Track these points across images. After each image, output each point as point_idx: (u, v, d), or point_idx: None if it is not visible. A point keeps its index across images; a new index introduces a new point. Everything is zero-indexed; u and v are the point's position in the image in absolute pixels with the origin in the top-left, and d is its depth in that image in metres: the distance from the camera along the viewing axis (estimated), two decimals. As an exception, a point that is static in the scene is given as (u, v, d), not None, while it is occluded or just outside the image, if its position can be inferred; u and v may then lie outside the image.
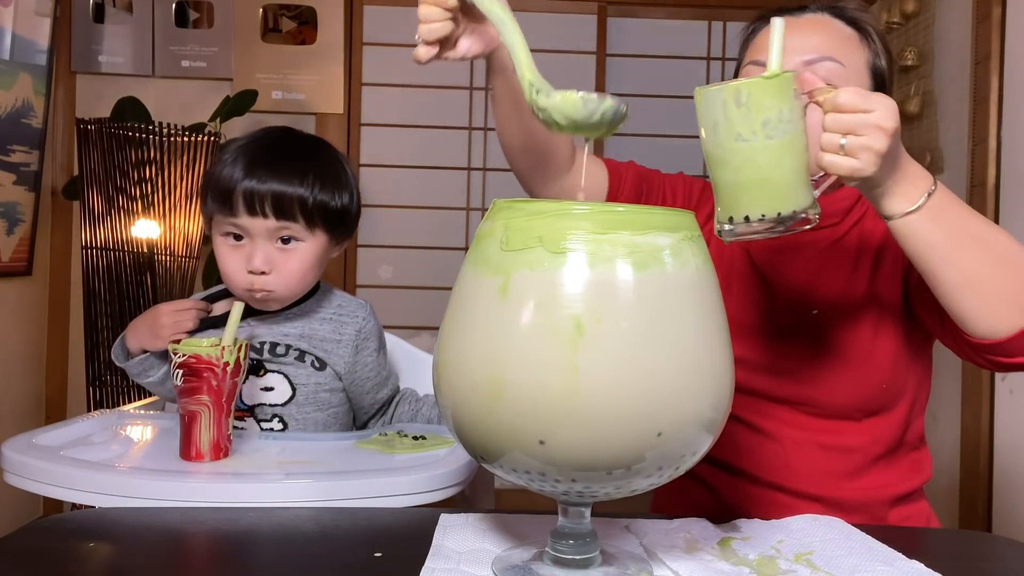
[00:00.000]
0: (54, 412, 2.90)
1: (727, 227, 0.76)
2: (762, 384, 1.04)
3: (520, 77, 0.75)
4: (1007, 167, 2.10)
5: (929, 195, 0.81)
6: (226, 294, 1.29)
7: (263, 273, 1.17)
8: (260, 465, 1.00)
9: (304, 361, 1.22)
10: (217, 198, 1.16)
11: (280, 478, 0.93)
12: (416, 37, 0.84)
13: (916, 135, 2.49)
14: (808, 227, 0.77)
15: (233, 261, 1.17)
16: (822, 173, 0.79)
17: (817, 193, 0.77)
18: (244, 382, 1.19)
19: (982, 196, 2.14)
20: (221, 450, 1.01)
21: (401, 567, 0.71)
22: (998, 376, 2.11)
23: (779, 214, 0.74)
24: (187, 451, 1.00)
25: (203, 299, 1.28)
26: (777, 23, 0.76)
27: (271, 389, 1.21)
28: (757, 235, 0.77)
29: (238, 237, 1.18)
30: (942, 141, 2.38)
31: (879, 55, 1.02)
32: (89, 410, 2.47)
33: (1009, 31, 2.10)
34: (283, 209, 1.15)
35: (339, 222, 1.22)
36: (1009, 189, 2.09)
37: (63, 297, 2.92)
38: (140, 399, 1.45)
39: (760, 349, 1.04)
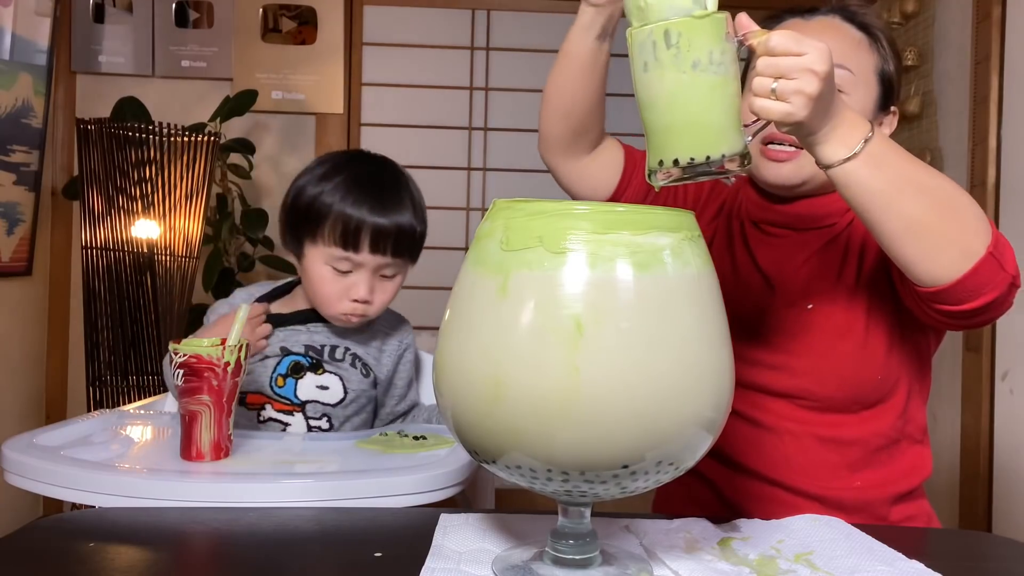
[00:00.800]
0: (54, 412, 2.90)
1: (657, 170, 0.75)
2: (760, 378, 1.05)
3: None
4: (1007, 167, 2.10)
5: (866, 141, 0.80)
6: (275, 296, 1.32)
7: (365, 302, 1.21)
8: (260, 465, 1.00)
9: (355, 366, 1.27)
10: (339, 235, 1.19)
11: (280, 478, 0.93)
12: None
13: (916, 135, 2.49)
14: (739, 172, 0.75)
15: (335, 290, 1.21)
16: (755, 119, 0.78)
17: (749, 139, 0.76)
18: (301, 377, 1.24)
19: (982, 196, 2.14)
20: (221, 450, 1.01)
21: (401, 567, 0.71)
22: (998, 376, 2.11)
23: (708, 157, 0.73)
24: (187, 451, 1.00)
25: (258, 299, 1.31)
26: None
27: (326, 388, 1.25)
28: (686, 179, 0.75)
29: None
30: (942, 141, 2.38)
31: (887, 60, 1.03)
32: (89, 410, 2.47)
33: (1009, 31, 2.10)
34: (400, 247, 1.22)
35: (420, 250, 1.29)
36: (1009, 189, 2.09)
37: (63, 297, 2.92)
38: (140, 399, 1.46)
39: (758, 344, 1.05)
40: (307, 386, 1.24)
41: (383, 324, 1.33)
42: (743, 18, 0.76)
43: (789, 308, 1.05)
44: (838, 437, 1.03)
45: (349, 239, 1.18)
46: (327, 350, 1.26)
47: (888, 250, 0.85)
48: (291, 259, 1.28)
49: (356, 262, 1.20)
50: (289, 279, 1.36)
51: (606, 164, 1.13)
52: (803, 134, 0.80)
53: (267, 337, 1.24)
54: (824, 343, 1.03)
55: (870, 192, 0.81)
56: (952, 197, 0.83)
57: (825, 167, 0.82)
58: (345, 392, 1.26)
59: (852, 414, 1.03)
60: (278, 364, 1.24)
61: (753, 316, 1.07)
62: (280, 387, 1.23)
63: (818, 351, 1.03)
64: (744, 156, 0.75)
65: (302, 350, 1.25)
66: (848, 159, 0.80)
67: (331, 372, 1.25)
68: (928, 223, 0.82)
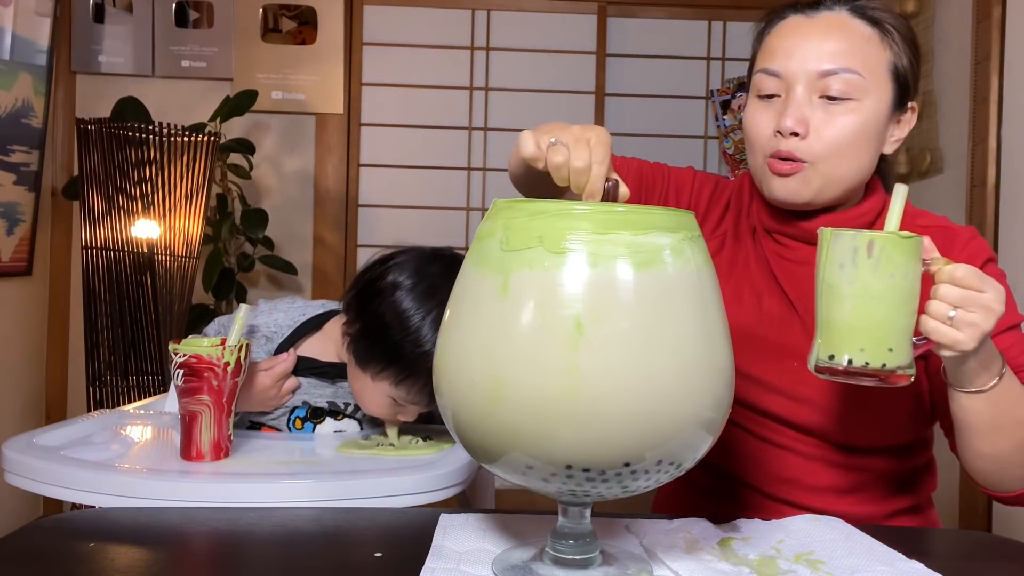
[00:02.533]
0: (54, 412, 2.90)
1: (826, 364, 0.78)
2: (776, 407, 1.00)
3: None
4: (1007, 167, 2.10)
5: (1000, 378, 0.84)
6: (306, 330, 1.24)
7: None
8: (260, 465, 1.00)
9: None
10: (430, 393, 1.07)
11: (280, 478, 0.93)
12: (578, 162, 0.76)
13: (916, 135, 2.49)
14: (902, 384, 0.78)
15: (389, 413, 1.14)
16: (922, 339, 0.79)
17: (915, 355, 0.78)
18: (320, 422, 1.21)
19: (982, 196, 2.14)
20: (221, 450, 1.01)
21: (401, 567, 0.71)
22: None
23: (884, 365, 0.75)
24: (187, 451, 1.00)
25: (287, 338, 1.22)
26: (900, 190, 0.78)
27: (343, 432, 1.22)
28: (849, 379, 0.78)
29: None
30: (942, 141, 2.38)
31: (900, 55, 0.96)
32: (89, 410, 2.47)
33: (1009, 31, 2.10)
34: None
35: None
36: (1009, 189, 2.09)
37: (63, 297, 2.92)
38: (140, 399, 1.45)
39: (778, 371, 1.00)
40: (325, 432, 1.22)
41: None
42: (927, 242, 0.78)
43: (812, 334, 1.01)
44: (847, 464, 1.01)
45: (434, 397, 1.09)
46: (351, 407, 1.22)
47: (963, 456, 0.93)
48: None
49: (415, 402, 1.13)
50: (320, 309, 1.26)
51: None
52: (957, 363, 0.82)
53: (293, 391, 1.20)
54: (849, 385, 0.99)
55: (979, 419, 0.86)
56: None
57: (951, 387, 0.86)
58: (361, 430, 1.23)
59: (863, 453, 1.01)
60: (297, 407, 1.22)
61: (773, 338, 1.01)
62: (298, 429, 1.21)
63: (841, 391, 0.98)
64: (910, 368, 0.77)
65: (325, 405, 1.22)
66: (977, 392, 0.84)
67: (351, 417, 1.23)
68: (1011, 455, 0.89)
